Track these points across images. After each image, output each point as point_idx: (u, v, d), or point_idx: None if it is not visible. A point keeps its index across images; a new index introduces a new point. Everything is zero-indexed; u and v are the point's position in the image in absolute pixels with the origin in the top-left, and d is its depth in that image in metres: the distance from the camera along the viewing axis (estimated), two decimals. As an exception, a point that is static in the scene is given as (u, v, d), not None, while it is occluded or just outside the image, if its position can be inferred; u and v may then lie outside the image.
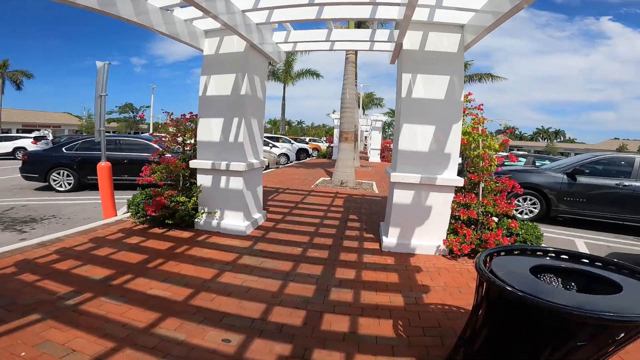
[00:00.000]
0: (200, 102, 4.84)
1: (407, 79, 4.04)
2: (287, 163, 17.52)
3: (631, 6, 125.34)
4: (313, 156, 24.13)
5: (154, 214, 4.90)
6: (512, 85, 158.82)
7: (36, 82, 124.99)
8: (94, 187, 8.16)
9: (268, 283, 3.39)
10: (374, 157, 22.28)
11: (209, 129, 4.79)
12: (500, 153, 4.27)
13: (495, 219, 4.22)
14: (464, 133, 4.22)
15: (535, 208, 7.24)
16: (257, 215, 5.40)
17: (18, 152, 19.47)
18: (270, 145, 17.42)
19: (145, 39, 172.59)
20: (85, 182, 8.83)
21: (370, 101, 44.51)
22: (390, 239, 4.43)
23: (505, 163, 9.21)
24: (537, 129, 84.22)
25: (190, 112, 5.42)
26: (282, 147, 18.08)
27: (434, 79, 4.01)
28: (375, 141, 22.64)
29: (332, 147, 22.91)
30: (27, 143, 20.29)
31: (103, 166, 5.75)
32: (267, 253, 4.21)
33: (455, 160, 4.04)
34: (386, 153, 23.10)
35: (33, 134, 23.41)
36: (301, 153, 21.98)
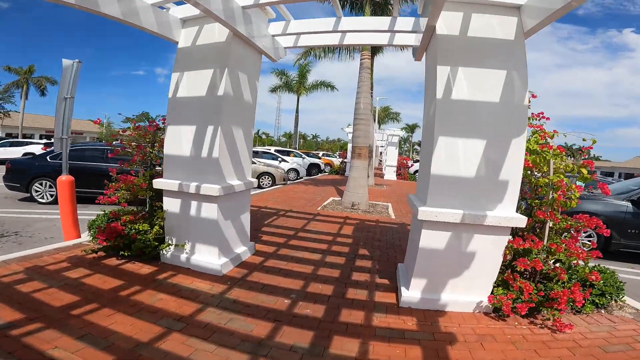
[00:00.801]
0: (170, 106, 3.79)
1: (443, 74, 2.86)
2: (297, 179, 16.45)
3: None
4: (325, 172, 23.04)
5: (105, 243, 3.87)
6: (533, 100, 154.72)
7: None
8: (79, 200, 7.34)
9: (228, 358, 2.29)
10: (390, 174, 20.99)
11: (178, 140, 3.72)
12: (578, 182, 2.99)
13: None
14: (530, 151, 2.98)
15: (590, 241, 6.02)
16: (240, 249, 4.25)
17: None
18: (280, 159, 16.44)
19: (168, 50, 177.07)
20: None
21: (386, 115, 43.42)
22: (413, 293, 3.22)
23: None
24: (558, 145, 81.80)
25: (163, 118, 4.39)
26: (292, 162, 17.07)
27: (483, 75, 2.83)
28: (391, 157, 21.38)
29: (345, 162, 21.76)
30: (38, 149, 20.04)
31: (63, 181, 4.78)
32: (241, 306, 3.09)
33: (516, 190, 2.81)
34: (402, 170, 21.76)
35: (43, 140, 23.34)
36: (313, 168, 20.93)
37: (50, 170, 7.97)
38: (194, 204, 3.68)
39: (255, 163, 12.39)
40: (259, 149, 19.48)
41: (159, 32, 3.60)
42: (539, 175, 3.04)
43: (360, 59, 9.16)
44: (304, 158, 20.73)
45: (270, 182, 12.47)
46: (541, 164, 2.98)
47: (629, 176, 52.03)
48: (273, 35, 4.44)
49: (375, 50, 14.16)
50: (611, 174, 58.25)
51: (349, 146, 21.48)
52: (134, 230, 3.89)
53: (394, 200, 11.01)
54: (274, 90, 28.32)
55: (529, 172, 3.07)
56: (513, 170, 2.76)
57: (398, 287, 3.58)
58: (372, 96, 12.83)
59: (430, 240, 3.01)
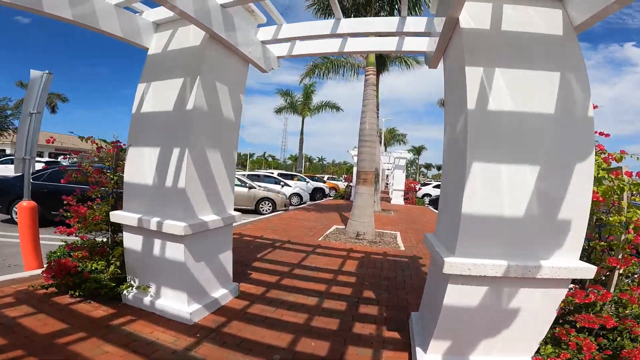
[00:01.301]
0: (132, 123, 3.16)
1: (474, 78, 2.15)
2: (300, 204, 15.70)
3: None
4: (330, 196, 22.27)
5: (51, 280, 3.22)
6: None
7: (78, 108, 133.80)
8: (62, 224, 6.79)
9: None
10: (397, 198, 20.16)
11: (139, 165, 3.05)
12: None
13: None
14: (599, 180, 2.23)
15: None
16: (218, 293, 3.49)
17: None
18: (282, 184, 15.78)
19: None
20: (50, 218, 7.40)
21: (392, 137, 42.96)
22: (432, 357, 2.41)
23: None
24: None
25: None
26: (295, 187, 16.39)
27: (529, 79, 2.12)
28: (398, 181, 20.61)
29: (350, 186, 21.03)
30: (39, 167, 19.72)
31: (24, 207, 4.18)
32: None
33: (581, 231, 2.04)
34: (410, 194, 20.91)
35: (44, 159, 23.09)
36: (317, 193, 20.21)
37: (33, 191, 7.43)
38: (157, 242, 2.96)
39: (254, 188, 11.74)
40: (261, 172, 18.92)
41: (124, 37, 3.03)
42: (607, 210, 2.28)
43: (365, 75, 8.61)
44: (307, 182, 20.06)
45: (271, 208, 11.75)
46: (613, 197, 2.22)
47: None
48: (263, 42, 3.86)
49: (381, 67, 13.78)
50: None
51: (355, 170, 20.85)
52: (87, 269, 3.19)
53: (402, 228, 10.15)
54: (278, 111, 28.16)
55: (594, 207, 2.30)
56: (577, 205, 1.99)
57: (412, 347, 2.83)
58: (378, 117, 12.30)
59: (459, 297, 2.21)
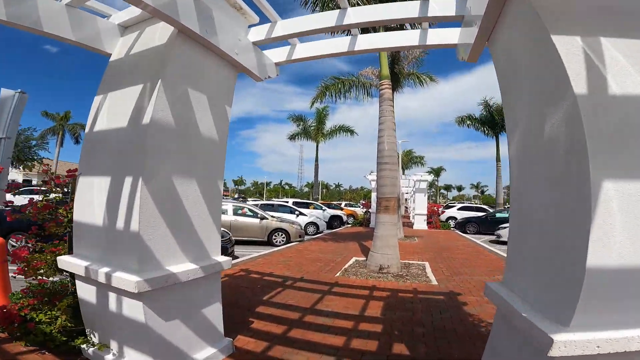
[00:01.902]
0: (84, 146, 2.53)
1: (572, 51, 1.37)
2: (316, 233, 14.82)
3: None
4: (348, 224, 21.27)
5: None
6: None
7: None
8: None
9: None
10: (420, 223, 18.94)
11: (89, 199, 2.38)
12: None
13: None
14: None
15: None
16: (202, 354, 2.67)
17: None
18: (297, 213, 15.01)
19: None
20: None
21: (409, 159, 41.90)
22: None
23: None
24: None
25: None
26: (310, 215, 15.60)
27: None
28: (420, 205, 19.48)
29: (369, 213, 20.02)
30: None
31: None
32: None
33: None
34: (434, 218, 19.65)
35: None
36: (334, 221, 19.30)
37: (25, 225, 6.93)
38: (112, 296, 2.22)
39: (266, 218, 11.02)
40: (275, 201, 18.29)
41: (78, 41, 2.47)
42: None
43: (380, 90, 7.96)
44: (324, 210, 19.25)
45: (285, 239, 10.94)
46: None
47: None
48: (255, 44, 3.26)
49: (395, 84, 13.19)
50: None
51: (373, 196, 19.90)
52: (34, 319, 2.51)
53: (430, 256, 9.07)
54: (292, 137, 27.90)
55: None
56: None
57: None
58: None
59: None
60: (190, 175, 2.52)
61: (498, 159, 25.61)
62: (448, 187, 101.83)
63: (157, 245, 2.21)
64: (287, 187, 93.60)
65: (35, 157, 33.12)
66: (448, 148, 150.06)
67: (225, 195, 69.32)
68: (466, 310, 4.66)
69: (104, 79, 2.69)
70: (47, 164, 3.11)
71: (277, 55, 3.71)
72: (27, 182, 42.88)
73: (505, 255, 9.10)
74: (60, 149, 37.93)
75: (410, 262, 8.16)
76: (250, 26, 3.21)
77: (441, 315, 4.44)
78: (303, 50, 3.63)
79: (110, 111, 2.42)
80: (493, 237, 14.46)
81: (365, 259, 8.37)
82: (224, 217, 10.83)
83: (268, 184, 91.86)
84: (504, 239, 12.85)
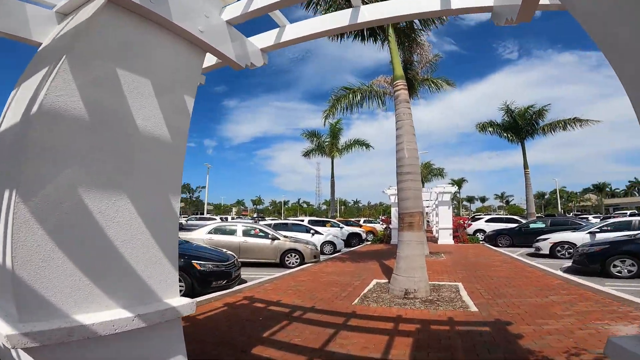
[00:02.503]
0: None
1: None
2: (334, 252, 13.82)
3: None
4: (368, 241, 20.13)
5: None
6: (583, 137, 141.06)
7: None
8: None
9: None
10: (445, 238, 17.60)
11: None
12: None
13: None
14: None
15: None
16: None
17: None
18: (313, 232, 14.11)
19: (217, 120, 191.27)
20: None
21: (429, 172, 40.40)
22: None
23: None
24: (629, 182, 70.52)
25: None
26: (327, 234, 14.64)
27: None
28: (444, 218, 18.17)
29: (389, 229, 18.86)
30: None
31: None
32: None
33: None
34: (460, 232, 18.25)
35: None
36: (353, 238, 18.24)
37: None
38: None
39: (278, 239, 10.20)
40: (290, 220, 17.48)
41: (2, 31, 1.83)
42: None
43: (395, 92, 7.14)
44: (341, 228, 18.25)
45: (298, 261, 10.04)
46: None
47: None
48: (230, 23, 2.56)
49: (410, 90, 12.37)
50: None
51: (393, 211, 18.78)
52: None
53: (462, 276, 7.93)
54: (306, 154, 27.32)
55: None
56: None
57: None
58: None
59: None
60: (119, 186, 1.77)
61: (526, 166, 23.80)
62: (471, 199, 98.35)
63: (52, 285, 1.46)
64: (305, 205, 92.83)
65: None
66: (468, 159, 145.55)
67: (244, 215, 69.13)
68: (523, 346, 3.62)
69: (25, 71, 2.04)
70: None
71: (263, 40, 3.02)
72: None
73: (553, 271, 7.77)
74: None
75: (440, 283, 7.08)
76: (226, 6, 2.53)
77: (490, 355, 3.43)
78: (293, 31, 2.93)
79: (14, 106, 1.73)
80: (531, 250, 13.03)
81: (387, 280, 7.36)
82: (232, 239, 10.12)
83: (286, 202, 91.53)
84: (545, 251, 11.47)
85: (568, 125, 21.32)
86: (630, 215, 28.44)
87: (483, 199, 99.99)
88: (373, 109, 14.09)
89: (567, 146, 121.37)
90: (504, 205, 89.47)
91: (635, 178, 70.11)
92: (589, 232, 10.93)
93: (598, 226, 11.05)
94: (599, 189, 67.96)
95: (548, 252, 11.34)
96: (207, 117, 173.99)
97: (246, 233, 10.32)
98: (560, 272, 7.68)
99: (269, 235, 10.14)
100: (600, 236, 10.56)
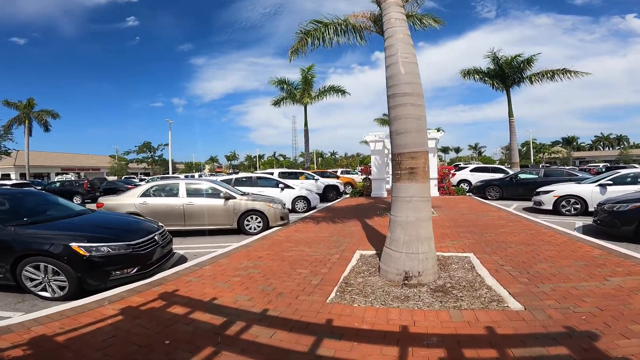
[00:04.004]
0: None
1: None
2: (308, 209, 11.87)
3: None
4: (346, 194, 18.39)
5: None
6: (552, 95, 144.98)
7: (81, 125, 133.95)
8: None
9: None
10: (430, 188, 16.01)
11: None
12: None
13: None
14: None
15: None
16: None
17: None
18: (282, 186, 11.95)
19: (185, 79, 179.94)
20: None
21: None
22: None
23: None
24: (595, 136, 75.20)
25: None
26: (300, 188, 12.54)
27: None
28: (429, 167, 16.44)
29: (369, 179, 17.08)
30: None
31: None
32: None
33: None
34: (446, 183, 16.75)
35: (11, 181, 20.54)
36: (330, 191, 16.36)
37: None
38: None
39: (234, 197, 7.97)
40: (255, 173, 15.15)
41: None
42: None
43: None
44: (317, 180, 16.23)
45: (261, 225, 7.97)
46: None
47: None
48: None
49: None
50: None
51: (373, 159, 16.80)
52: None
53: (469, 240, 6.14)
54: (276, 102, 24.30)
55: None
56: None
57: None
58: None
59: None
60: None
61: (511, 114, 22.53)
62: (445, 150, 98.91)
63: None
64: (281, 158, 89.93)
65: (2, 148, 30.19)
66: (442, 112, 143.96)
67: (218, 172, 65.84)
68: None
69: None
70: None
71: None
72: (5, 176, 39.57)
73: (581, 236, 5.40)
74: (29, 139, 34.59)
75: (445, 254, 5.24)
76: None
77: None
78: None
79: None
80: (527, 204, 11.64)
81: (374, 251, 5.45)
82: (173, 202, 7.80)
83: (261, 156, 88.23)
84: (547, 206, 9.98)
85: (556, 76, 20.11)
86: (609, 168, 28.28)
87: (458, 150, 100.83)
88: (352, 43, 11.34)
89: (537, 102, 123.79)
90: (477, 156, 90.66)
91: (601, 133, 73.84)
92: (599, 185, 9.41)
93: (608, 178, 9.52)
94: (568, 142, 69.91)
95: (551, 208, 9.84)
96: (174, 76, 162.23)
97: (192, 192, 7.99)
98: (590, 238, 6.04)
99: (221, 194, 7.87)
100: (613, 189, 9.09)
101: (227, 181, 11.81)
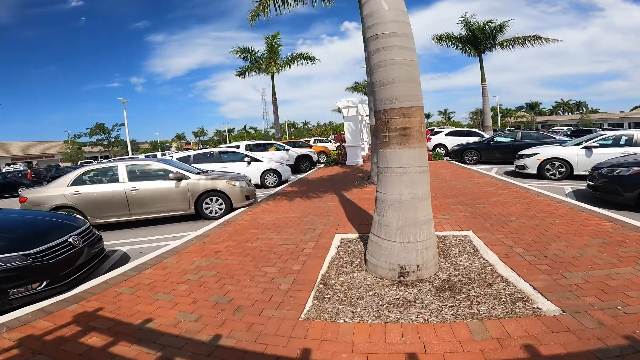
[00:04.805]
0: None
1: None
2: (278, 184, 10.81)
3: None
4: (320, 163, 17.43)
5: None
6: (516, 64, 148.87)
7: (33, 113, 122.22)
8: None
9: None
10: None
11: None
12: None
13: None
14: None
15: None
16: None
17: None
18: (249, 160, 10.68)
19: (144, 56, 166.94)
20: None
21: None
22: None
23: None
24: (556, 102, 79.21)
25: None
26: (269, 161, 11.29)
27: None
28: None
29: (343, 147, 16.11)
30: None
31: None
32: None
33: None
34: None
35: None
36: (303, 162, 15.31)
37: None
38: None
39: (187, 177, 6.72)
40: (219, 148, 13.68)
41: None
42: None
43: None
44: (288, 150, 15.05)
45: (223, 208, 6.85)
46: None
47: (638, 125, 49.39)
48: None
49: None
50: (620, 124, 54.88)
51: (346, 125, 15.72)
52: None
53: (462, 213, 5.40)
54: (241, 73, 22.21)
55: None
56: None
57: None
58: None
59: None
60: None
61: (483, 79, 22.66)
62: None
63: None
64: (252, 131, 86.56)
65: None
66: None
67: (187, 149, 62.31)
68: None
69: None
70: None
71: None
72: None
73: (583, 205, 4.76)
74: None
75: (441, 233, 4.44)
76: None
77: None
78: None
79: None
80: (507, 168, 11.19)
81: (357, 234, 4.56)
82: (113, 189, 6.46)
83: (231, 130, 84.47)
84: (531, 170, 9.49)
85: (527, 42, 20.19)
86: (574, 133, 28.90)
87: (428, 115, 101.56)
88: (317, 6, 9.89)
89: (502, 70, 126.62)
90: (446, 121, 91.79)
91: (561, 99, 77.87)
92: (585, 147, 8.94)
93: (594, 140, 9.06)
94: (531, 107, 72.39)
95: (535, 172, 9.35)
96: (130, 55, 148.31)
97: (135, 176, 6.65)
98: (591, 207, 5.41)
99: (171, 174, 6.59)
100: (600, 152, 8.66)
101: (185, 158, 10.42)
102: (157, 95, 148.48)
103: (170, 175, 6.55)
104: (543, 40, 19.53)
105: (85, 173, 6.71)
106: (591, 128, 36.63)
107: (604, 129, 38.00)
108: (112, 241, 5.73)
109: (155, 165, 6.91)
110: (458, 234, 4.46)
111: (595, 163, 6.95)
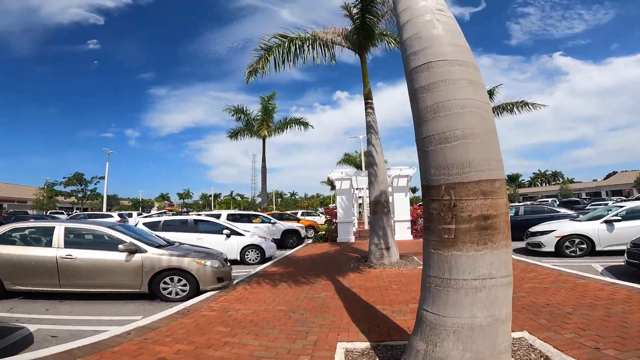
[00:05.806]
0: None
1: None
2: (261, 261, 9.27)
3: (575, 39, 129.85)
4: (308, 238, 16.01)
5: None
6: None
7: (23, 151, 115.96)
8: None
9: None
10: (402, 232, 14.25)
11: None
12: None
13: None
14: None
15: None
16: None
17: None
18: (228, 232, 9.28)
19: (141, 109, 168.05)
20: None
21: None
22: None
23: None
24: (534, 173, 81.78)
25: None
26: (251, 234, 9.84)
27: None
28: (401, 208, 14.88)
29: (335, 223, 14.85)
30: None
31: None
32: None
33: None
34: (420, 224, 15.10)
35: None
36: (289, 237, 13.92)
37: None
38: None
39: (143, 251, 5.30)
40: (194, 216, 12.23)
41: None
42: None
43: None
44: (274, 223, 13.74)
45: (187, 290, 5.34)
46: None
47: (615, 193, 50.64)
48: None
49: (366, 41, 8.87)
50: (598, 193, 56.27)
51: (339, 199, 14.75)
52: None
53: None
54: (233, 135, 21.94)
55: None
56: None
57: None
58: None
59: None
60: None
61: None
62: (413, 190, 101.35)
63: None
64: (239, 198, 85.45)
65: None
66: (398, 151, 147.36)
67: (170, 210, 59.83)
68: None
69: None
70: None
71: None
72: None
73: (625, 283, 3.17)
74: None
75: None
76: None
77: None
78: None
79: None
80: (517, 245, 10.16)
81: (368, 344, 3.14)
82: (41, 253, 5.04)
83: (217, 195, 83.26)
84: (548, 248, 8.45)
85: (515, 109, 19.95)
86: (563, 202, 28.84)
87: (414, 190, 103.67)
88: (319, 63, 9.80)
89: None
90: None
91: (539, 170, 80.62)
92: (605, 222, 8.14)
93: (613, 213, 8.31)
94: (512, 179, 74.84)
95: (553, 249, 8.34)
96: (130, 106, 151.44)
97: (74, 241, 5.26)
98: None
99: (122, 245, 5.19)
100: (622, 225, 7.87)
101: (154, 224, 9.01)
102: (148, 151, 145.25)
103: (120, 246, 5.13)
104: (530, 106, 19.15)
105: (14, 230, 5.41)
106: (572, 198, 37.17)
107: (582, 199, 38.68)
108: (23, 314, 4.39)
109: (104, 231, 5.51)
110: (516, 335, 3.14)
111: (632, 239, 6.07)
